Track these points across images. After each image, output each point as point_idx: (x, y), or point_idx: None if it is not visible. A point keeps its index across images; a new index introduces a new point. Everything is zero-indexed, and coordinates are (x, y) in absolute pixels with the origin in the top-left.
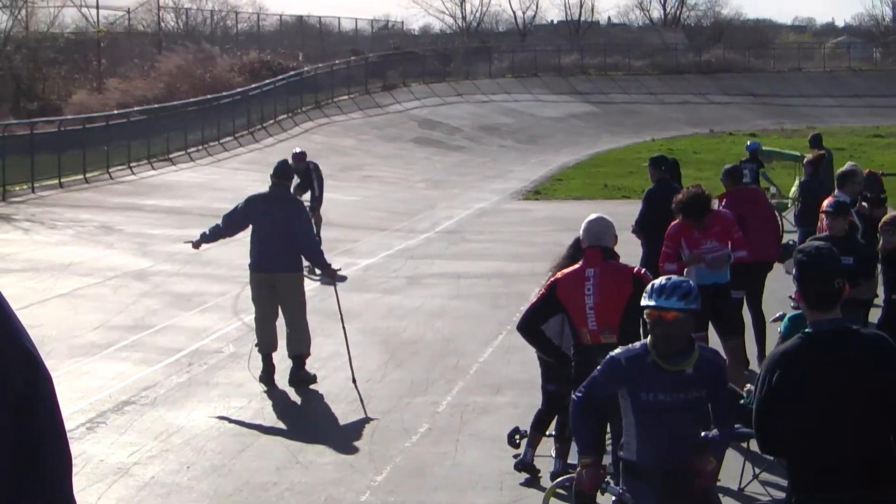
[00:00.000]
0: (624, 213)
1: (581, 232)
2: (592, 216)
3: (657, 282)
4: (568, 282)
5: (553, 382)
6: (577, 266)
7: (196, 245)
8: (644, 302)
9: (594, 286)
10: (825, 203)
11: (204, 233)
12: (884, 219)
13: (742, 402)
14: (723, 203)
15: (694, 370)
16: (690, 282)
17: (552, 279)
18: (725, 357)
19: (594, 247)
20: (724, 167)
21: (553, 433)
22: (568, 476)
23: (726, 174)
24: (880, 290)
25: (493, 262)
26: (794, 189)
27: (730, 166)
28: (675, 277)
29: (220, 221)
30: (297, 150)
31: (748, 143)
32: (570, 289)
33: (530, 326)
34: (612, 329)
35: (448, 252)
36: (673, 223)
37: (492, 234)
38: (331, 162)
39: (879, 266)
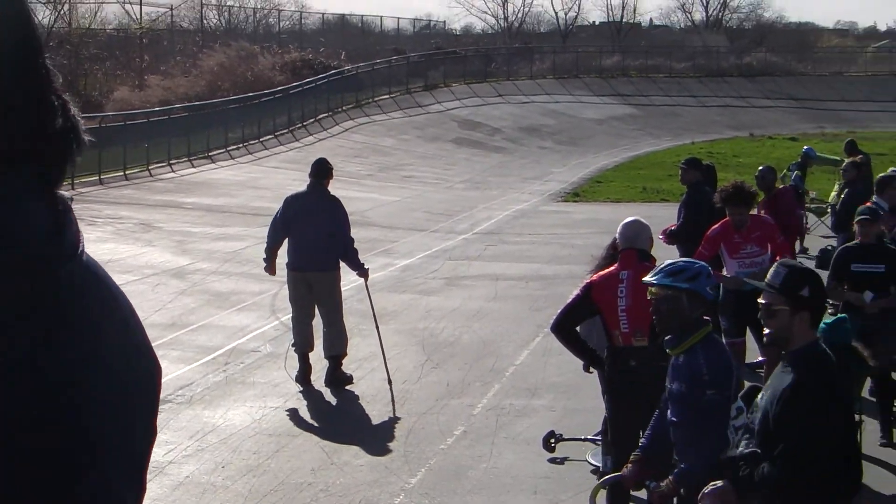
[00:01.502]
0: (663, 217)
1: (617, 234)
2: (628, 219)
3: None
4: (602, 284)
5: None
6: (612, 268)
7: (271, 271)
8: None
9: (627, 288)
10: (859, 210)
11: (264, 258)
12: None
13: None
14: (762, 208)
15: (684, 359)
16: (698, 264)
17: (587, 281)
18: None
19: (629, 249)
20: (759, 168)
21: (592, 435)
22: (615, 474)
23: (762, 177)
24: None
25: (531, 263)
26: (833, 194)
27: (764, 168)
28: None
29: (267, 238)
30: None
31: (805, 147)
32: (605, 291)
33: (564, 327)
34: (644, 332)
35: (487, 253)
36: (713, 226)
37: (530, 235)
38: (371, 161)
39: None
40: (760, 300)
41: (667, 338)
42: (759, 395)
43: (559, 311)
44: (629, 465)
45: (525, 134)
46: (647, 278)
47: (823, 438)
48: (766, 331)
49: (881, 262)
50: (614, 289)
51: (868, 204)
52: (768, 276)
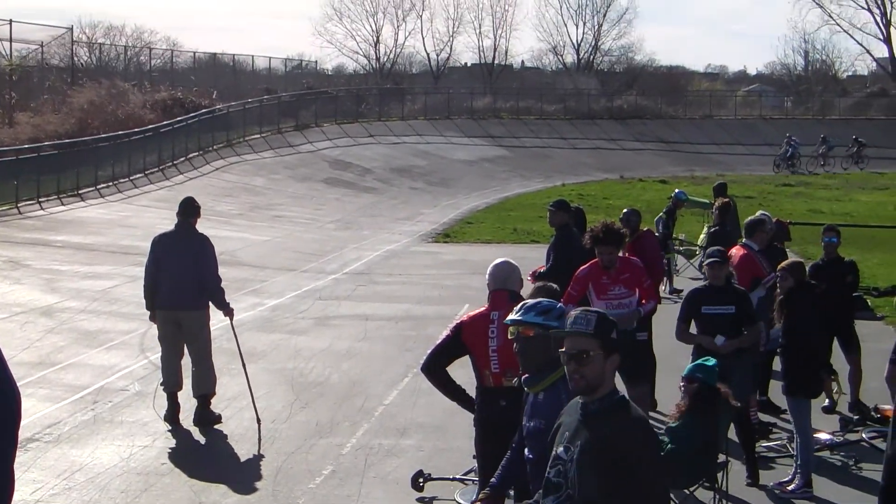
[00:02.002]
0: (533, 258)
1: (487, 275)
2: (498, 260)
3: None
4: (473, 324)
5: None
6: (482, 309)
7: (154, 319)
8: (507, 318)
9: (498, 329)
10: (708, 252)
11: (145, 303)
12: (781, 264)
13: (667, 448)
14: (627, 250)
15: (544, 397)
16: (558, 304)
17: (458, 321)
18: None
19: (500, 290)
20: (624, 211)
21: (461, 475)
22: None
23: (627, 219)
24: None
25: (401, 304)
26: (702, 237)
27: (628, 210)
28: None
29: (144, 283)
30: None
31: (676, 191)
32: (475, 331)
33: (433, 367)
34: (515, 372)
35: (356, 294)
36: (582, 267)
37: (401, 276)
38: (242, 201)
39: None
40: (567, 349)
41: (525, 376)
42: (559, 447)
43: (429, 351)
44: (479, 501)
45: (396, 174)
46: (514, 317)
47: (659, 490)
48: (575, 378)
49: (731, 304)
50: (485, 329)
51: (741, 248)
52: (572, 322)
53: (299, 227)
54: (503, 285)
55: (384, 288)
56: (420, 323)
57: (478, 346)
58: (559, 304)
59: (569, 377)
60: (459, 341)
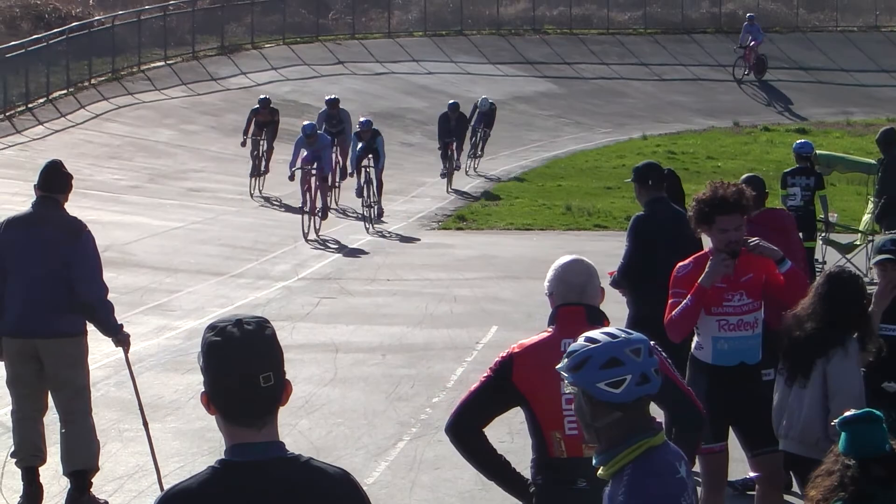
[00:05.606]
0: (599, 253)
1: (550, 282)
2: (566, 258)
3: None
4: (532, 358)
5: None
6: (545, 334)
7: None
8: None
9: None
10: (878, 244)
11: None
12: None
13: None
14: None
15: (610, 488)
16: (596, 342)
17: (507, 353)
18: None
19: (574, 304)
20: (743, 177)
21: None
22: None
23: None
24: None
25: (390, 327)
26: (865, 217)
27: (750, 175)
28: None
29: None
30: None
31: (797, 142)
32: (536, 369)
33: (465, 429)
34: None
35: (320, 310)
36: (682, 263)
37: (389, 282)
38: (137, 166)
39: None
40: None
41: (599, 454)
42: None
43: (458, 403)
44: None
45: (380, 123)
46: (566, 372)
47: None
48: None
49: None
50: (551, 366)
51: None
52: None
53: (228, 205)
54: (579, 298)
55: (363, 301)
56: (421, 356)
57: (540, 393)
58: (592, 345)
59: None
60: (509, 385)
